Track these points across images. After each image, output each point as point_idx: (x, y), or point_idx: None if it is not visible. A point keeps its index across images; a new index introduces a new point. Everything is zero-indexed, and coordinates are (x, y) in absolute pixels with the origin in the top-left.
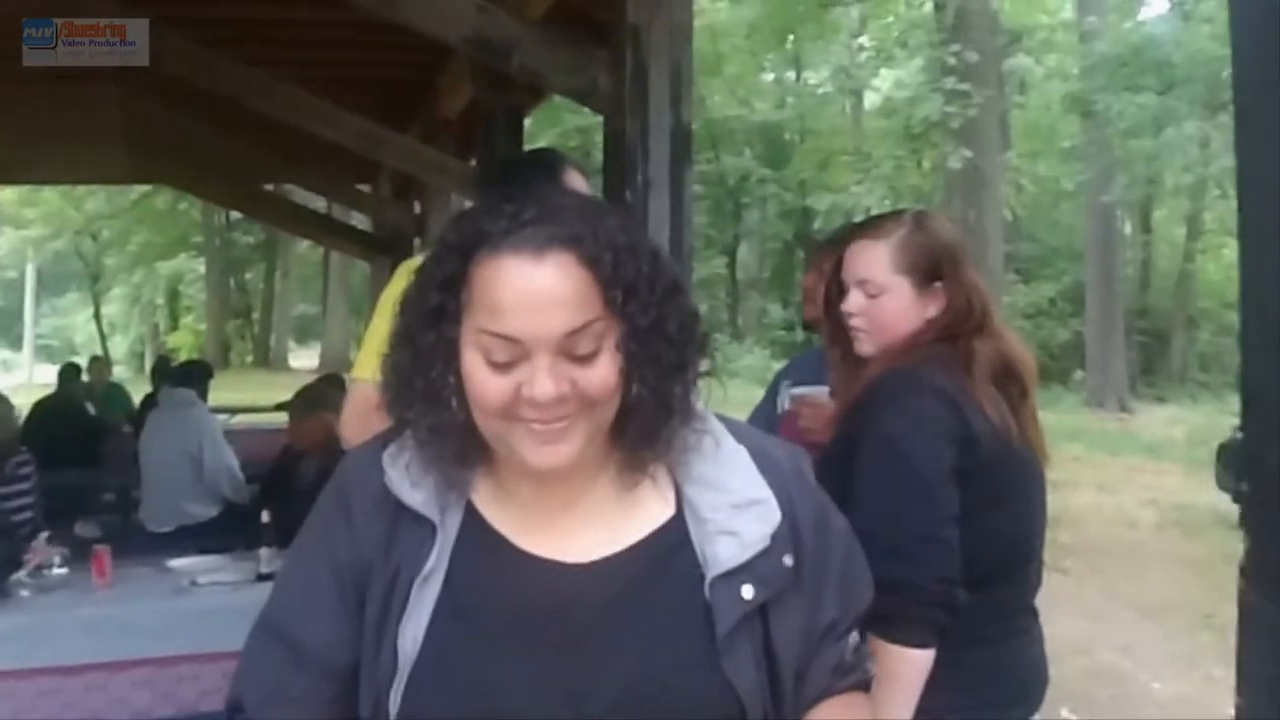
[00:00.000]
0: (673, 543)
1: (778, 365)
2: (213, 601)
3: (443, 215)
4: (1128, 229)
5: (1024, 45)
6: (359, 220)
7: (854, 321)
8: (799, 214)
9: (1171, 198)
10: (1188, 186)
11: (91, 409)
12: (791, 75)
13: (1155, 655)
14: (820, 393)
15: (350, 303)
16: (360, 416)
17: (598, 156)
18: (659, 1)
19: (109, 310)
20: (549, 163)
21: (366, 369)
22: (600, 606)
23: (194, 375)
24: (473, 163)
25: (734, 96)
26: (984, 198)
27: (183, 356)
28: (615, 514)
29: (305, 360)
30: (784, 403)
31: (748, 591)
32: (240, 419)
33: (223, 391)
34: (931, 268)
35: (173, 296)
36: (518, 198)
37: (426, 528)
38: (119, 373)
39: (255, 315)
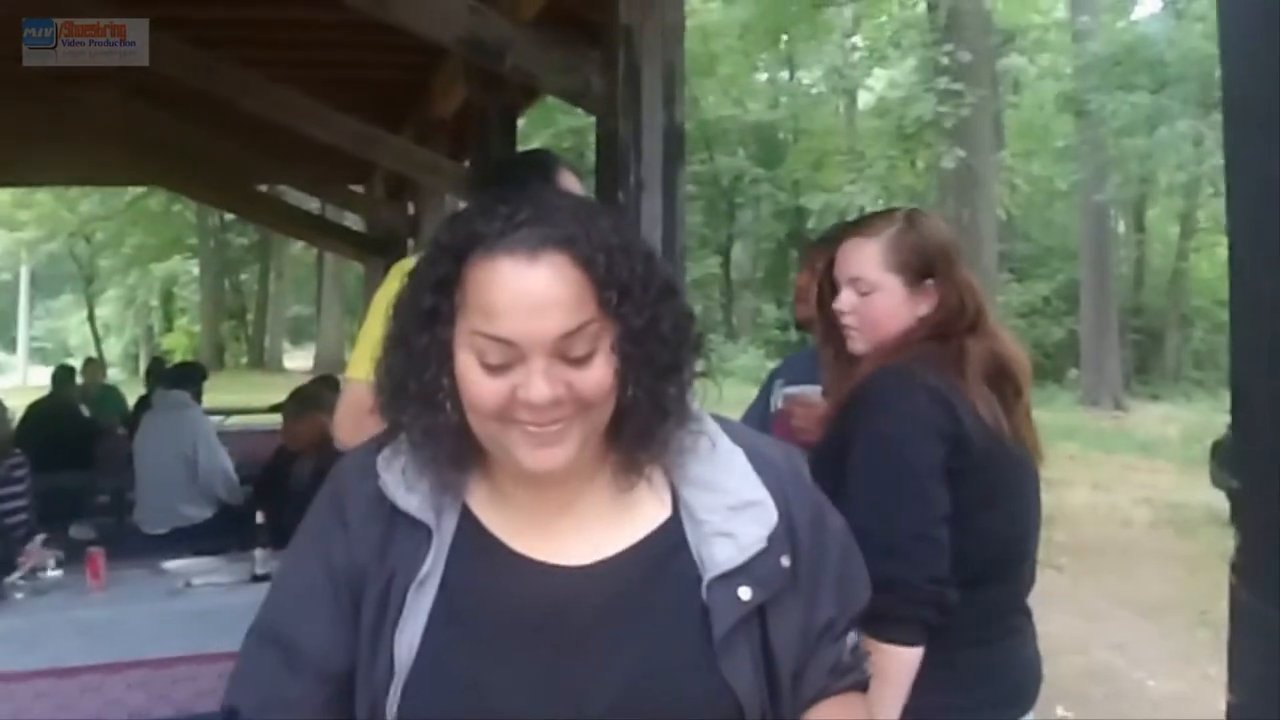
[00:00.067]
0: (669, 545)
1: (772, 364)
2: (208, 603)
3: (436, 216)
4: (1121, 228)
5: (1017, 45)
6: (352, 221)
7: (845, 319)
8: (793, 214)
9: (1165, 196)
10: (1181, 185)
11: (86, 411)
12: (785, 75)
13: (1150, 653)
14: (813, 392)
15: (344, 304)
16: (354, 416)
17: (591, 157)
18: (651, 3)
19: (103, 312)
20: (543, 164)
21: (360, 369)
22: (597, 609)
23: (188, 377)
24: (466, 163)
25: (728, 97)
26: (978, 197)
27: (177, 358)
28: (611, 516)
29: (300, 361)
30: (777, 402)
31: (745, 593)
32: (235, 420)
33: (218, 393)
34: (923, 266)
35: (167, 298)
36: (511, 199)
37: (422, 532)
38: (113, 375)
39: (250, 316)
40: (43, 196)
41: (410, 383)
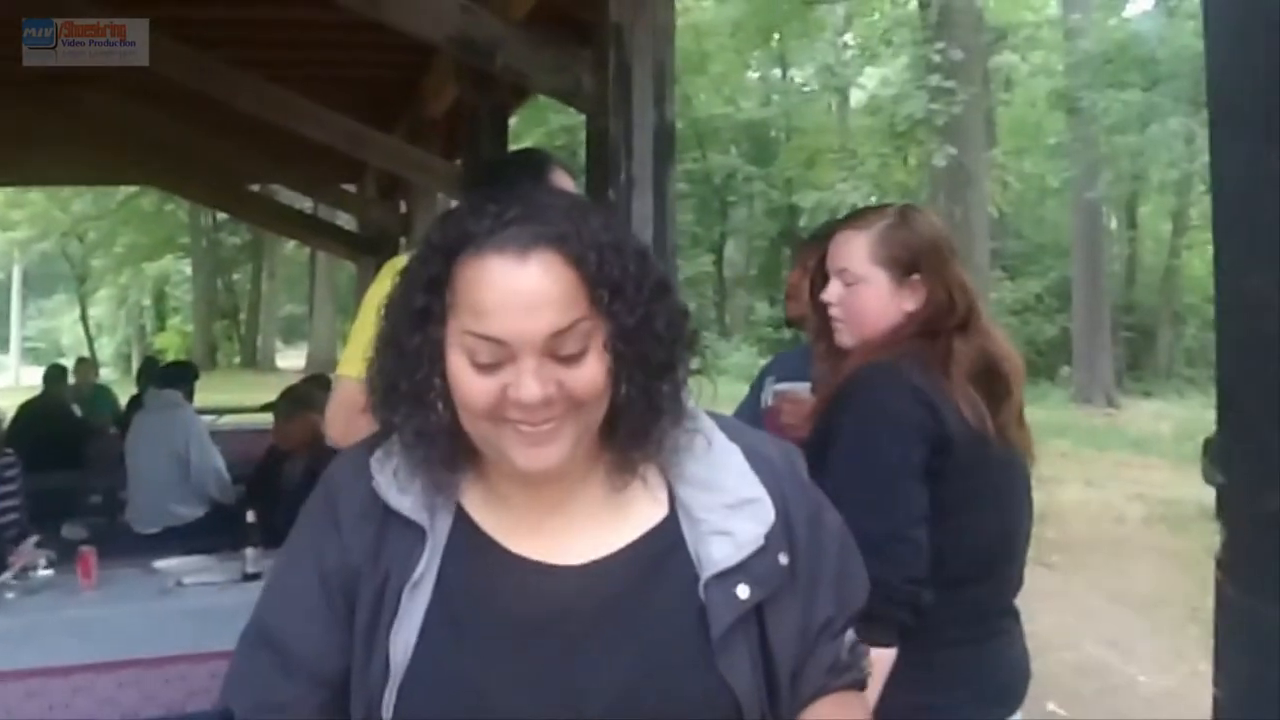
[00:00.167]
0: (666, 544)
1: (765, 362)
2: (199, 602)
3: (428, 215)
4: (1113, 225)
5: (1009, 42)
6: (345, 220)
7: (832, 311)
8: (785, 211)
9: (1157, 194)
10: (1173, 182)
11: (78, 411)
12: (777, 73)
13: (1142, 649)
14: (802, 388)
15: (337, 303)
16: (345, 414)
17: (584, 156)
18: (641, 1)
19: (96, 312)
20: (536, 163)
21: (351, 366)
22: (594, 609)
23: (180, 376)
24: (458, 162)
25: (720, 95)
26: (969, 195)
27: (170, 358)
28: (607, 516)
29: (292, 361)
30: (768, 398)
31: (743, 591)
32: (227, 419)
33: (210, 392)
34: (910, 261)
35: (159, 298)
36: (502, 197)
37: (416, 533)
38: (106, 374)
39: (242, 316)
40: (35, 196)
41: (402, 382)
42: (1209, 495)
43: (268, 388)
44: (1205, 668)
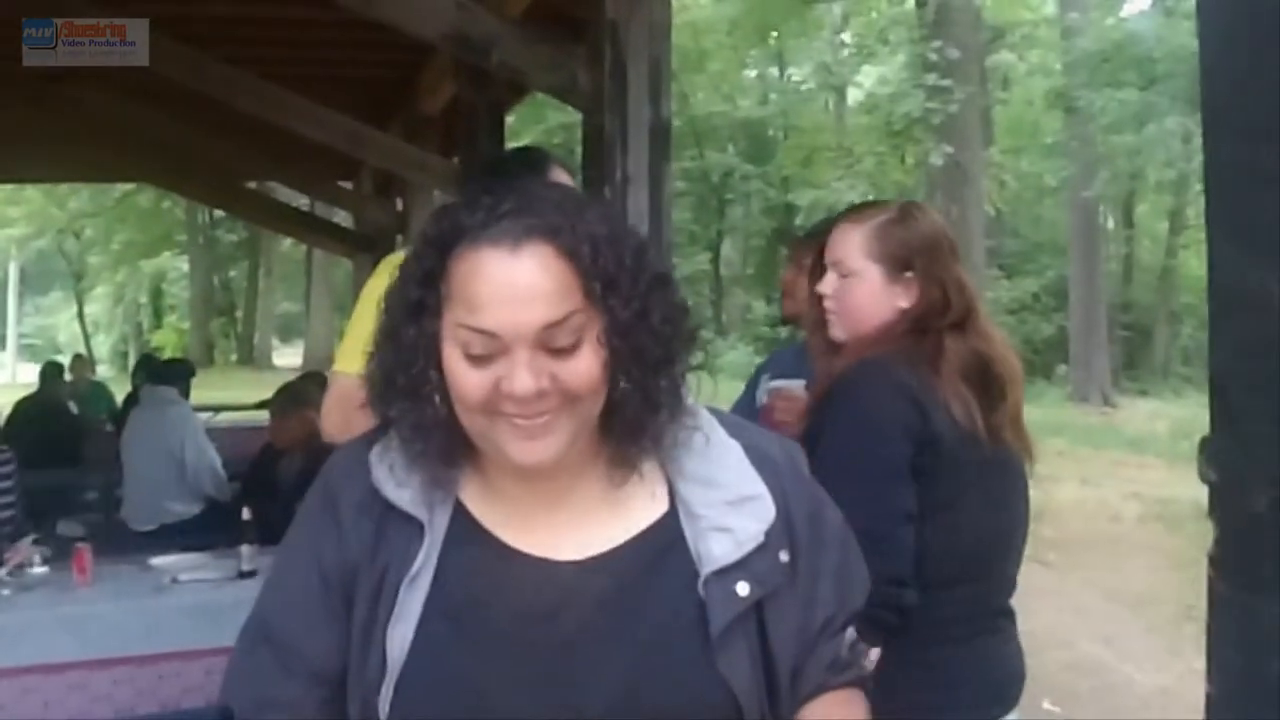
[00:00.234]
0: (666, 540)
1: (761, 360)
2: (194, 599)
3: (424, 212)
4: (1110, 224)
5: (1006, 41)
6: (341, 218)
7: (825, 303)
8: (782, 210)
9: (1154, 193)
10: (1170, 181)
11: (74, 408)
12: (774, 72)
13: (1137, 647)
14: (797, 385)
15: (333, 300)
16: (342, 409)
17: (580, 153)
18: None
19: (92, 309)
20: (534, 161)
21: (347, 362)
22: (593, 604)
23: (176, 373)
24: (455, 160)
25: (717, 93)
26: (966, 193)
27: (166, 355)
28: (605, 511)
29: (289, 358)
30: (763, 396)
31: (743, 589)
32: (223, 417)
33: (207, 390)
34: (904, 257)
35: (156, 295)
36: (496, 190)
37: (414, 527)
38: (102, 371)
39: (239, 313)
40: (31, 193)
41: (398, 376)
42: (1204, 494)
43: (264, 385)
44: (1200, 665)
